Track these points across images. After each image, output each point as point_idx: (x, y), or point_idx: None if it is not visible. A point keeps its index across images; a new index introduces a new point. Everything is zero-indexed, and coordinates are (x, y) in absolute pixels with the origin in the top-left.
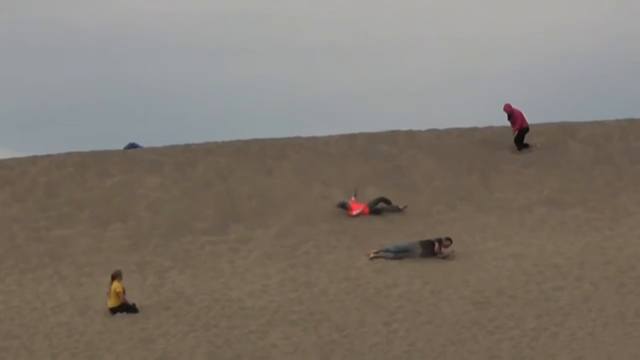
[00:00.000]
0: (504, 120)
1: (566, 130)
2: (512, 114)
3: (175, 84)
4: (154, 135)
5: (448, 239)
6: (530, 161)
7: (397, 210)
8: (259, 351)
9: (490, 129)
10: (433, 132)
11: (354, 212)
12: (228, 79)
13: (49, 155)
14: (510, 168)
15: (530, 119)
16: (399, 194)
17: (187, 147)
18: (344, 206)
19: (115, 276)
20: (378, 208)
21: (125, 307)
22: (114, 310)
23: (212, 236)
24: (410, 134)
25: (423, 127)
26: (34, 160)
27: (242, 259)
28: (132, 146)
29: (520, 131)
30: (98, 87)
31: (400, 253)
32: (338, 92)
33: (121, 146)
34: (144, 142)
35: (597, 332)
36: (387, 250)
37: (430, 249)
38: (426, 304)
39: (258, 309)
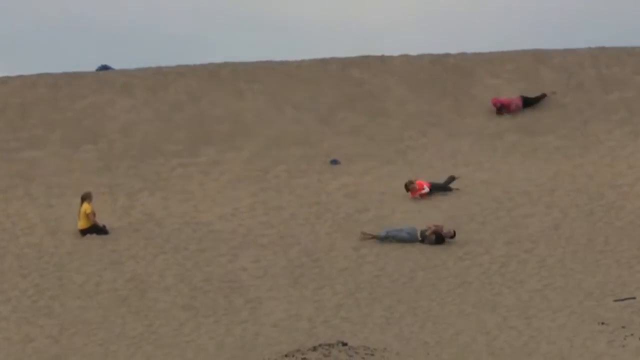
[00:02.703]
0: (476, 47)
1: (538, 58)
2: (502, 105)
3: (148, 6)
4: (126, 58)
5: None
6: (502, 88)
7: (450, 183)
8: (229, 274)
9: (463, 55)
10: (405, 57)
11: (419, 194)
12: (201, 0)
13: (20, 76)
14: (482, 95)
15: (502, 46)
16: (370, 120)
17: (158, 70)
18: (408, 188)
19: (85, 198)
20: (442, 187)
21: (95, 229)
22: (84, 232)
23: (183, 159)
24: (382, 60)
25: (395, 53)
26: (5, 81)
27: (213, 182)
28: (104, 68)
29: (524, 101)
30: (71, 8)
31: (397, 236)
32: (310, 16)
33: (93, 68)
34: (115, 64)
35: (566, 260)
36: (381, 234)
37: (434, 238)
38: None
39: (228, 232)
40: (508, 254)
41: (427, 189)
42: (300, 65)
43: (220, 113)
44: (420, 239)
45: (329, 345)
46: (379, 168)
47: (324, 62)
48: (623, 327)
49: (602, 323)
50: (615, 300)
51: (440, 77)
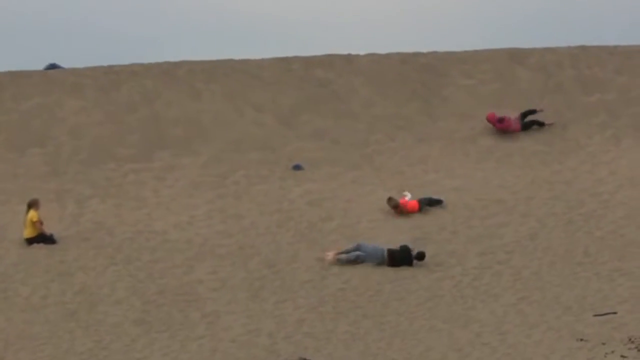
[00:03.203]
0: (448, 45)
1: (514, 57)
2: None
3: (99, 0)
4: (75, 55)
5: (420, 254)
6: (476, 89)
7: (439, 203)
8: (184, 286)
9: (434, 54)
10: (372, 56)
11: (405, 210)
12: None
13: None
14: (454, 96)
15: (476, 44)
16: (335, 122)
17: (110, 69)
18: (394, 205)
19: (32, 205)
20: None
21: (42, 238)
22: (30, 241)
23: (136, 163)
24: (348, 59)
25: (362, 51)
26: None
27: (168, 188)
28: (53, 67)
29: (524, 121)
30: (17, 3)
31: (362, 257)
32: (273, 12)
33: (41, 66)
34: (65, 63)
35: (543, 272)
36: (348, 252)
37: (402, 259)
38: (362, 238)
39: (184, 242)
40: (481, 265)
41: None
42: (261, 64)
43: (176, 115)
44: (388, 261)
45: None
46: (344, 174)
47: (286, 61)
48: (603, 343)
49: (581, 339)
50: (595, 315)
51: (410, 77)
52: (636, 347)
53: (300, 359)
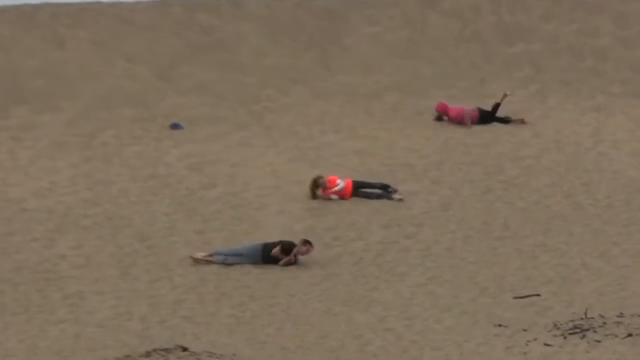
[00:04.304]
0: None
1: (425, 1)
2: (447, 115)
3: None
4: None
5: (307, 242)
6: (381, 37)
7: (389, 196)
8: (44, 263)
9: None
10: None
11: (332, 192)
12: None
13: None
14: (356, 45)
15: None
16: (220, 75)
17: None
18: (317, 185)
19: None
20: (366, 191)
21: None
22: None
23: None
24: (235, 2)
25: None
26: None
27: (26, 149)
28: None
29: (481, 115)
30: None
31: (235, 257)
32: None
33: None
34: None
35: (456, 247)
36: (218, 254)
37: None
38: (249, 208)
39: (43, 212)
40: (385, 240)
41: (341, 184)
42: (134, 8)
43: (36, 65)
44: (262, 257)
45: (166, 350)
46: (230, 134)
47: (164, 5)
48: (524, 330)
49: (500, 325)
50: (516, 298)
51: (306, 23)
52: (562, 334)
53: (177, 347)
